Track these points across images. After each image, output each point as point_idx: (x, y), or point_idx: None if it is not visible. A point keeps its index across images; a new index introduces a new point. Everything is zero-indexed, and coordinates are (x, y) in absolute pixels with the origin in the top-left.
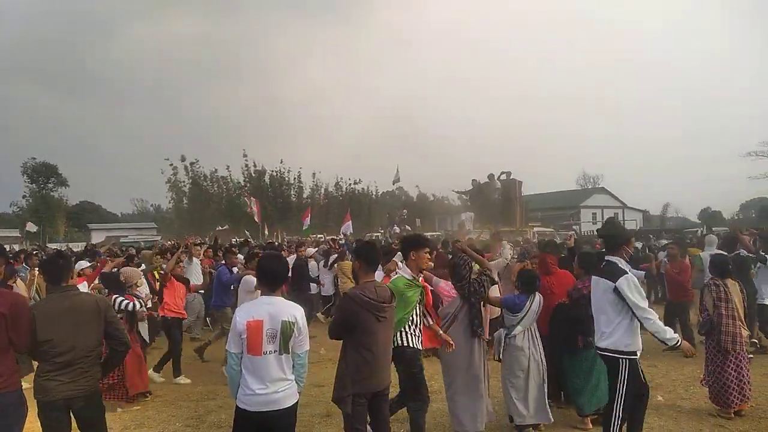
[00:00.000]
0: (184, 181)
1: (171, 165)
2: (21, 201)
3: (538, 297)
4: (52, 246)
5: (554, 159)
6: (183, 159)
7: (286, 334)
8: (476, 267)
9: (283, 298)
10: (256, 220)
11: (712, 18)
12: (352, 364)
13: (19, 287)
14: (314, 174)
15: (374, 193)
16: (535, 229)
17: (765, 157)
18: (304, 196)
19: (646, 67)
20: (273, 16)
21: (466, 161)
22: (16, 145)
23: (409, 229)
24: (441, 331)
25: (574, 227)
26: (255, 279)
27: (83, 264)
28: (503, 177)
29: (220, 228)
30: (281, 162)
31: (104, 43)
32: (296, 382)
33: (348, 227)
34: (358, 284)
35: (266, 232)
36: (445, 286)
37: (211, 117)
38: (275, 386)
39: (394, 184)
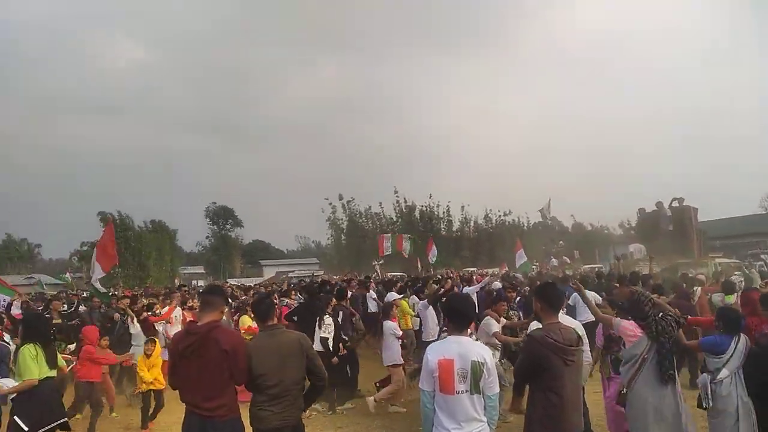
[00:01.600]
0: (341, 219)
1: (330, 204)
2: (204, 241)
3: (743, 337)
4: (231, 281)
5: (731, 180)
6: (340, 198)
7: (476, 374)
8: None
9: (470, 339)
10: (405, 255)
11: None
12: (541, 409)
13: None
14: (463, 207)
15: (525, 224)
16: (717, 260)
17: None
18: (454, 229)
19: None
20: (411, 53)
21: (627, 187)
22: (200, 192)
23: (568, 261)
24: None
25: (762, 256)
26: (496, 323)
27: (394, 295)
28: (675, 204)
29: (376, 262)
30: (430, 197)
31: (267, 98)
32: (488, 425)
33: (521, 256)
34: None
35: (419, 266)
36: (629, 325)
37: (361, 154)
38: (469, 426)
39: (543, 217)
